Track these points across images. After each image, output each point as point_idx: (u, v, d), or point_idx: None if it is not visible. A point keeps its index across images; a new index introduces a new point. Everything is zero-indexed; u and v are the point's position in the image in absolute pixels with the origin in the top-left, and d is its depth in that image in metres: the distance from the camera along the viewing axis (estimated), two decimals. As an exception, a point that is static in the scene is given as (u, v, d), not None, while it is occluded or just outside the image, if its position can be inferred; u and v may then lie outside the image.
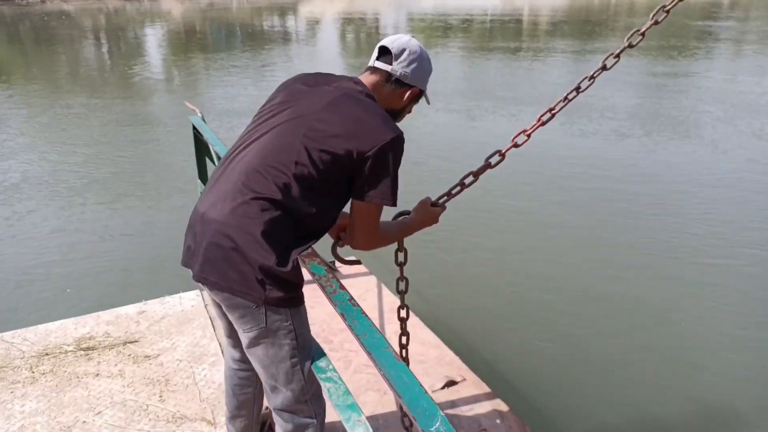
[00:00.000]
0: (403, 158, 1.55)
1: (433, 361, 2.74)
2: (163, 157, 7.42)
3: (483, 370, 2.81)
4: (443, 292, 4.05)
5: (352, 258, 2.32)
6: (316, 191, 1.52)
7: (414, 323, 2.98)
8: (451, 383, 2.59)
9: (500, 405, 2.46)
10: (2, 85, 12.26)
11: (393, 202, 1.57)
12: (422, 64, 1.71)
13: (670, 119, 8.53)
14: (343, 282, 3.35)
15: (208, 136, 2.94)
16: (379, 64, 1.70)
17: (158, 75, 13.74)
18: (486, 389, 2.55)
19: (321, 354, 1.68)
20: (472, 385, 2.59)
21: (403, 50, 1.68)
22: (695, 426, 2.96)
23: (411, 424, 2.29)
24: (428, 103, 1.84)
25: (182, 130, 8.29)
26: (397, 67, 1.68)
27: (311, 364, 1.65)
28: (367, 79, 1.69)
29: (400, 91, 1.70)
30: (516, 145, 1.96)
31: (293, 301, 1.56)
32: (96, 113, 9.55)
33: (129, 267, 4.59)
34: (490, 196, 5.55)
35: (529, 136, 1.95)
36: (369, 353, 1.27)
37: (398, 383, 1.20)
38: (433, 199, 1.97)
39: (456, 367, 2.68)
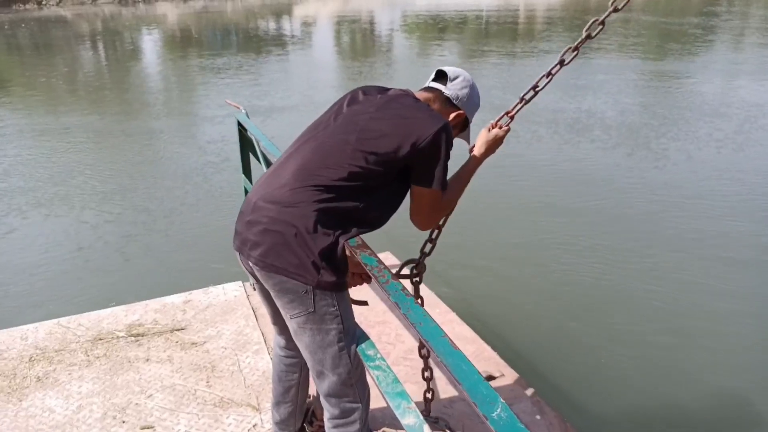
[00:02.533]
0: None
1: (470, 356, 2.75)
2: (203, 156, 7.54)
3: (521, 365, 2.86)
4: (480, 288, 4.10)
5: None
6: (368, 187, 1.62)
7: (451, 319, 3.06)
8: (489, 378, 2.64)
9: (540, 401, 2.51)
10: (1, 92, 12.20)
11: (445, 185, 1.69)
12: (473, 92, 1.84)
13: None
14: None
15: (254, 132, 3.01)
16: (434, 84, 1.83)
17: (156, 81, 13.78)
18: (525, 385, 2.60)
19: (368, 341, 1.74)
20: (510, 380, 2.63)
21: (458, 76, 1.81)
22: (738, 420, 3.01)
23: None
24: (468, 142, 1.93)
25: (188, 128, 8.36)
26: (450, 87, 1.80)
27: (356, 348, 1.71)
28: (421, 95, 1.81)
29: (448, 110, 1.80)
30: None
31: (341, 286, 1.64)
32: (110, 117, 9.58)
33: (173, 259, 4.78)
34: (525, 190, 5.69)
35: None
36: (426, 342, 1.29)
37: (457, 371, 1.22)
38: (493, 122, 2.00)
39: (494, 363, 2.74)
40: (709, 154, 7.04)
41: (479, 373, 1.21)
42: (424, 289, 3.32)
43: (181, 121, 9.42)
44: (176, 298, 3.18)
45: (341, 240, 1.60)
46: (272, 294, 1.68)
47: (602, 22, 1.73)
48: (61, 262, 4.85)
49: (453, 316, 3.11)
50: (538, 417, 2.46)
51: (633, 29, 18.03)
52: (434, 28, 21.94)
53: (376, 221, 1.70)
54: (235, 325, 2.92)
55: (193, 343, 2.75)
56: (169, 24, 25.70)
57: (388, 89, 1.81)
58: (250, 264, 1.66)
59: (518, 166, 6.45)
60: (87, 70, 14.95)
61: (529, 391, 2.56)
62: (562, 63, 1.81)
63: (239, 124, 3.22)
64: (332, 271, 1.59)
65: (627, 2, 1.70)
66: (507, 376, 2.67)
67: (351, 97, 1.79)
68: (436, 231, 2.07)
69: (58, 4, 32.15)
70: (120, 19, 27.78)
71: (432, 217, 1.78)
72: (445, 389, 2.60)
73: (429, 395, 2.31)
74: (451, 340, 1.27)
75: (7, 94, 12.00)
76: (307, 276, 1.58)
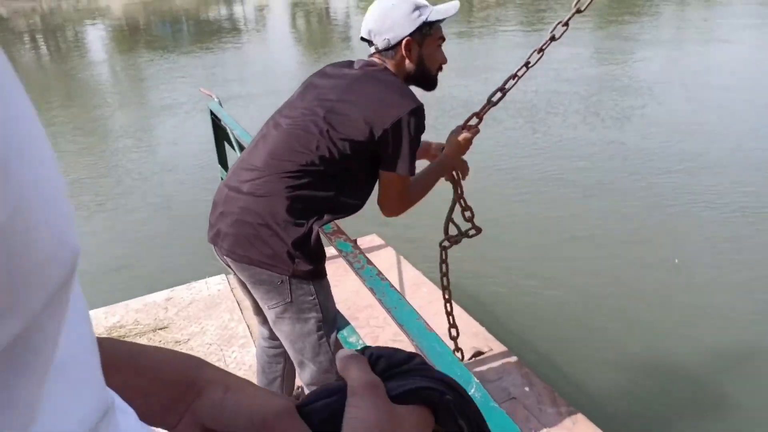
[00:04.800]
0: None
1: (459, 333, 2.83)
2: (182, 146, 7.41)
3: (510, 340, 2.88)
4: (467, 263, 4.07)
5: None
6: (340, 172, 1.60)
7: (439, 297, 3.06)
8: (478, 354, 2.66)
9: (528, 373, 2.53)
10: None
11: (411, 171, 1.65)
12: (386, 18, 1.67)
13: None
14: None
15: (227, 120, 2.94)
16: (372, 51, 1.74)
17: (104, 77, 13.33)
18: (513, 358, 2.62)
19: (349, 328, 1.73)
20: (499, 355, 2.66)
21: (370, 30, 1.70)
22: (731, 394, 3.00)
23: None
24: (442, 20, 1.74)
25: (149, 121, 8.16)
26: (378, 42, 1.69)
27: (336, 335, 1.69)
28: (377, 60, 1.73)
29: (399, 54, 1.68)
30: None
31: (318, 273, 1.62)
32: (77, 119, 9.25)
33: (154, 255, 4.67)
34: (518, 167, 5.69)
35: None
36: (400, 325, 1.28)
37: (431, 353, 1.21)
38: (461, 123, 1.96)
39: (483, 338, 2.76)
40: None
41: (453, 354, 1.21)
42: (409, 269, 3.35)
43: (145, 114, 9.17)
44: (158, 296, 3.12)
45: (315, 227, 1.58)
46: (248, 285, 1.65)
47: (566, 23, 1.77)
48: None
49: (440, 293, 3.12)
50: (527, 389, 2.48)
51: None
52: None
53: (351, 206, 1.67)
54: (219, 320, 2.86)
55: (176, 342, 2.69)
56: (114, 16, 24.92)
57: (352, 63, 1.75)
58: (224, 256, 1.63)
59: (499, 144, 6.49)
60: (30, 71, 14.38)
61: (518, 365, 2.58)
62: (514, 78, 1.89)
63: (212, 113, 3.14)
64: (307, 260, 1.57)
65: (590, 3, 1.73)
66: (495, 350, 2.70)
67: (318, 77, 1.74)
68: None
69: (-7, 1, 30.83)
70: (60, 14, 26.81)
71: (399, 204, 1.74)
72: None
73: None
74: (426, 323, 1.26)
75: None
76: (282, 266, 1.56)
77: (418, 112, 1.58)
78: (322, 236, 1.67)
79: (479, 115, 1.93)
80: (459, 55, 11.05)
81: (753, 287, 3.70)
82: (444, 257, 2.40)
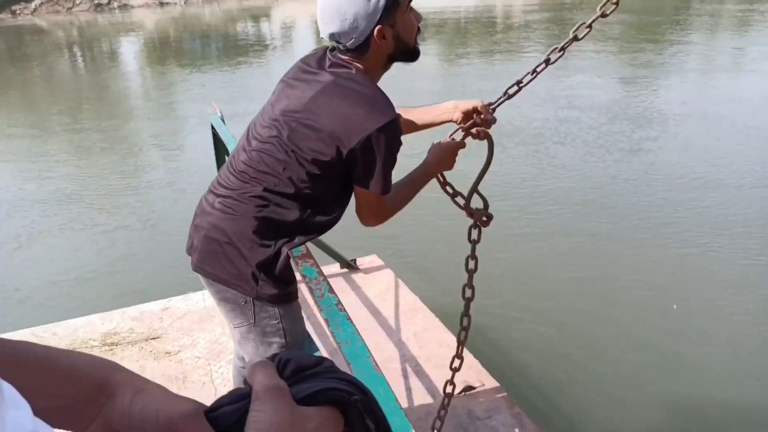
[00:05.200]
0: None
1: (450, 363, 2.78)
2: (185, 158, 7.52)
3: (504, 376, 2.82)
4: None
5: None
6: (311, 191, 1.53)
7: (433, 325, 3.02)
8: (469, 388, 2.60)
9: (520, 413, 2.46)
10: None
11: (385, 190, 1.54)
12: (345, 16, 1.46)
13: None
14: (363, 280, 3.44)
15: (224, 136, 2.94)
16: (340, 54, 1.56)
17: (136, 90, 13.61)
18: (506, 396, 2.55)
19: (317, 354, 1.66)
20: (491, 391, 2.58)
21: (332, 33, 1.50)
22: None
23: None
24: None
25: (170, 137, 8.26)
26: (345, 42, 1.50)
27: None
28: (347, 62, 1.56)
29: (373, 46, 1.51)
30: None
31: (284, 297, 1.58)
32: (81, 131, 9.41)
33: (155, 265, 4.72)
34: (516, 200, 5.64)
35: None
36: (348, 362, 1.23)
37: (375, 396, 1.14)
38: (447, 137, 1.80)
39: (475, 372, 2.69)
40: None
41: (397, 400, 1.15)
42: (406, 293, 3.31)
43: (162, 128, 9.28)
44: (154, 306, 3.13)
45: (284, 250, 1.53)
46: (215, 302, 1.63)
47: (589, 26, 1.67)
48: (40, 270, 4.79)
49: (436, 322, 3.08)
50: (516, 430, 2.41)
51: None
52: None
53: (324, 225, 1.61)
54: (211, 334, 2.85)
55: (167, 353, 2.69)
56: (147, 30, 25.46)
57: (326, 60, 1.57)
58: (194, 270, 1.61)
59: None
60: (66, 81, 14.70)
61: (510, 403, 2.52)
62: (517, 85, 1.77)
63: (213, 128, 3.17)
64: (273, 283, 1.54)
65: (615, 8, 1.63)
66: (487, 386, 2.63)
67: (291, 77, 1.62)
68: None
69: (32, 13, 31.68)
70: (97, 27, 27.43)
71: (375, 218, 1.65)
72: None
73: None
74: (375, 363, 1.21)
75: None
76: (246, 287, 1.53)
77: (388, 128, 1.45)
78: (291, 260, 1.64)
79: (464, 126, 1.79)
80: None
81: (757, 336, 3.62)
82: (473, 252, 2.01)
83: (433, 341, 2.94)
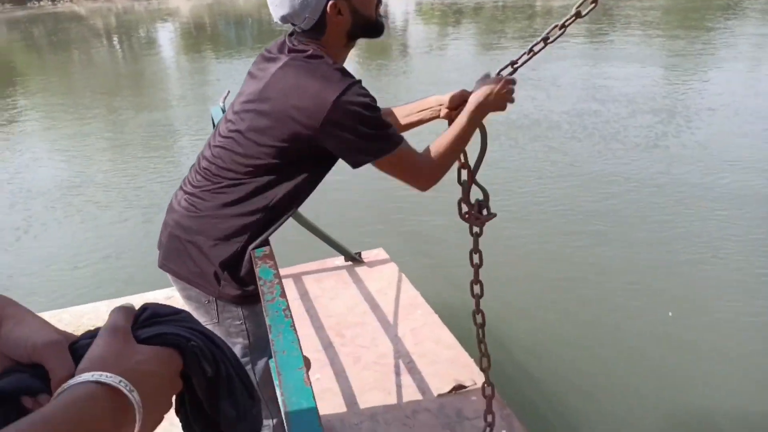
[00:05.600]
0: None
1: (445, 362, 2.71)
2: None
3: (498, 376, 2.75)
4: (466, 291, 3.97)
5: None
6: (269, 187, 1.47)
7: (432, 321, 2.97)
8: (459, 387, 2.56)
9: (510, 414, 2.41)
10: (22, 91, 12.31)
11: (389, 147, 1.43)
12: None
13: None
14: (366, 273, 3.43)
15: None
16: (298, 37, 1.50)
17: (173, 74, 13.81)
18: (497, 396, 2.49)
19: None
20: (482, 390, 2.55)
21: (283, 15, 1.44)
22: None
23: None
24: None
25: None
26: (299, 23, 1.44)
27: (267, 362, 1.61)
28: (303, 45, 1.49)
29: (328, 26, 1.44)
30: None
31: (248, 299, 1.54)
32: (120, 116, 9.61)
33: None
34: (522, 197, 5.51)
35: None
36: (279, 373, 1.18)
37: (296, 409, 1.06)
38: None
39: (469, 371, 2.64)
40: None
41: (317, 413, 1.09)
42: (408, 288, 3.25)
43: (195, 113, 9.38)
44: (159, 294, 3.15)
45: (247, 249, 1.49)
46: (181, 298, 1.60)
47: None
48: (49, 257, 4.88)
49: (435, 318, 3.04)
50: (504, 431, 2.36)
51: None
52: (450, 15, 21.59)
53: (284, 214, 1.54)
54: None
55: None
56: (182, 17, 25.77)
57: (285, 46, 1.51)
58: (159, 266, 1.59)
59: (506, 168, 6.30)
60: (104, 67, 15.02)
61: (501, 404, 2.46)
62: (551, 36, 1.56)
63: (212, 119, 3.14)
64: (236, 284, 1.50)
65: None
66: (479, 385, 2.57)
67: (254, 67, 1.56)
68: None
69: (72, 1, 32.42)
70: (134, 14, 27.93)
71: (419, 178, 1.54)
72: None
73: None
74: (308, 377, 1.14)
75: (24, 95, 12.08)
76: (208, 286, 1.50)
77: (348, 92, 1.36)
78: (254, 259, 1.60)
79: (516, 65, 1.63)
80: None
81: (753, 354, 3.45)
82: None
83: (429, 338, 2.89)
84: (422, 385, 2.60)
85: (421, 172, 1.53)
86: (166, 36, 20.85)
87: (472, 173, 1.77)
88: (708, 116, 7.54)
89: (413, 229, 4.95)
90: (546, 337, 3.59)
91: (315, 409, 1.04)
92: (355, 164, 1.46)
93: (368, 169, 1.52)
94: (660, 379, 3.22)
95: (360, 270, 3.48)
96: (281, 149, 1.43)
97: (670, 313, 3.76)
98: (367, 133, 1.40)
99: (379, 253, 3.62)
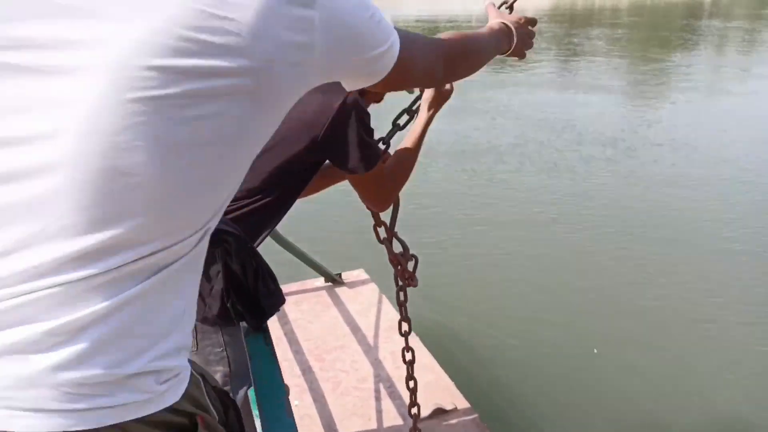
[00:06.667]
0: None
1: (426, 385, 2.69)
2: None
3: (478, 398, 2.72)
4: (449, 312, 3.95)
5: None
6: (263, 204, 1.44)
7: (413, 343, 2.94)
8: (439, 411, 2.52)
9: (490, 438, 2.36)
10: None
11: (374, 162, 1.43)
12: None
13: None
14: (346, 294, 3.40)
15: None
16: None
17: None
18: (477, 420, 2.47)
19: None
20: (462, 413, 2.50)
21: None
22: None
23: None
24: None
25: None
26: None
27: (247, 391, 1.54)
28: None
29: None
30: None
31: (230, 319, 1.45)
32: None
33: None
34: (501, 214, 5.49)
35: None
36: (260, 404, 1.20)
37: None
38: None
39: (450, 394, 2.61)
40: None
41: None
42: (389, 309, 3.23)
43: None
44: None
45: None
46: None
47: None
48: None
49: (416, 340, 2.99)
50: (481, 454, 2.33)
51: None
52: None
53: (269, 229, 1.51)
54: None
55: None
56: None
57: None
58: None
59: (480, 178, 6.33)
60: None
61: (480, 427, 2.43)
62: None
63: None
64: (219, 304, 1.41)
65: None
66: (459, 408, 2.54)
67: None
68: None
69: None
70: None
71: (382, 195, 1.56)
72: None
73: (414, 410, 2.16)
74: (288, 405, 1.16)
75: None
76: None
77: (350, 97, 1.37)
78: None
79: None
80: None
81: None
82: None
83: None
84: (402, 411, 2.56)
85: (385, 193, 1.57)
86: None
87: (390, 229, 1.80)
88: (655, 150, 7.44)
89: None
90: (528, 358, 3.55)
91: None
92: (353, 170, 1.44)
93: (347, 186, 1.52)
94: (654, 397, 3.23)
95: (340, 291, 3.44)
96: (277, 170, 1.42)
97: (595, 350, 3.70)
98: (366, 142, 1.41)
99: (359, 274, 3.58)
